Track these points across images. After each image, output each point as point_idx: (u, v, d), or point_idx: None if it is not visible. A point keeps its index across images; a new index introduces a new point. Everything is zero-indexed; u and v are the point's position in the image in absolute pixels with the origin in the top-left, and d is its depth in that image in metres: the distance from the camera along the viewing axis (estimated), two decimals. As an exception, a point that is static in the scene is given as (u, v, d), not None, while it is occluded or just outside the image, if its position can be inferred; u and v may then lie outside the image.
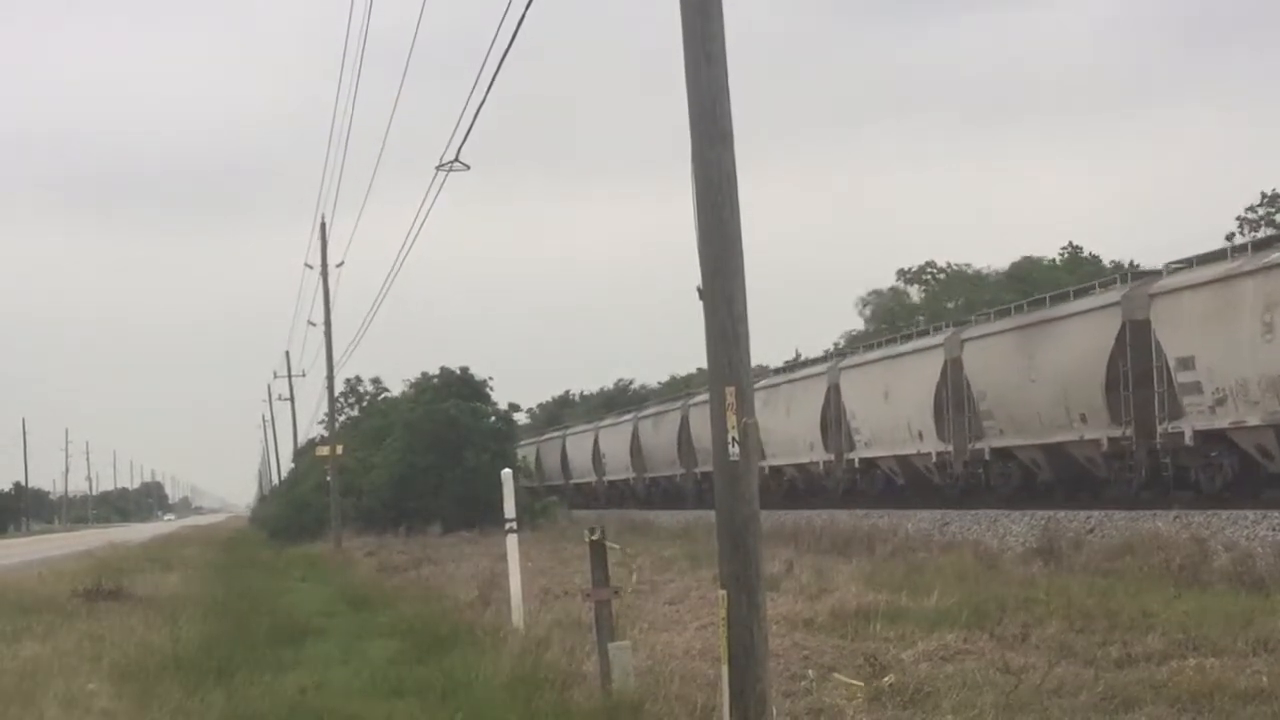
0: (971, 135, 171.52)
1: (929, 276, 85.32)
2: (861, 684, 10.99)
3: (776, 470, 44.75)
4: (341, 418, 62.38)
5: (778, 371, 48.70)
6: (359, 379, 72.63)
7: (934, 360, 34.91)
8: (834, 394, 40.33)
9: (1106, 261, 71.53)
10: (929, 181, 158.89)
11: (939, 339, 35.70)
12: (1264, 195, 65.56)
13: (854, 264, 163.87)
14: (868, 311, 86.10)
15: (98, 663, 14.53)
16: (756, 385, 44.60)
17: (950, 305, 75.99)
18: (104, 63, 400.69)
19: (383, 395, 69.70)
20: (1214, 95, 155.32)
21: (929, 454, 34.98)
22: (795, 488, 44.62)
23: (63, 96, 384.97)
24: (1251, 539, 20.84)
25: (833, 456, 40.57)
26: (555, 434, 78.71)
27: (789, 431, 43.49)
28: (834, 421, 40.31)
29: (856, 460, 39.30)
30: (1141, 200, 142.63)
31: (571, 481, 72.08)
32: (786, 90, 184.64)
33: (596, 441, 67.21)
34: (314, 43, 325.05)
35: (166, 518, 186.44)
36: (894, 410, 36.73)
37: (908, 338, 39.28)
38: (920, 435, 35.31)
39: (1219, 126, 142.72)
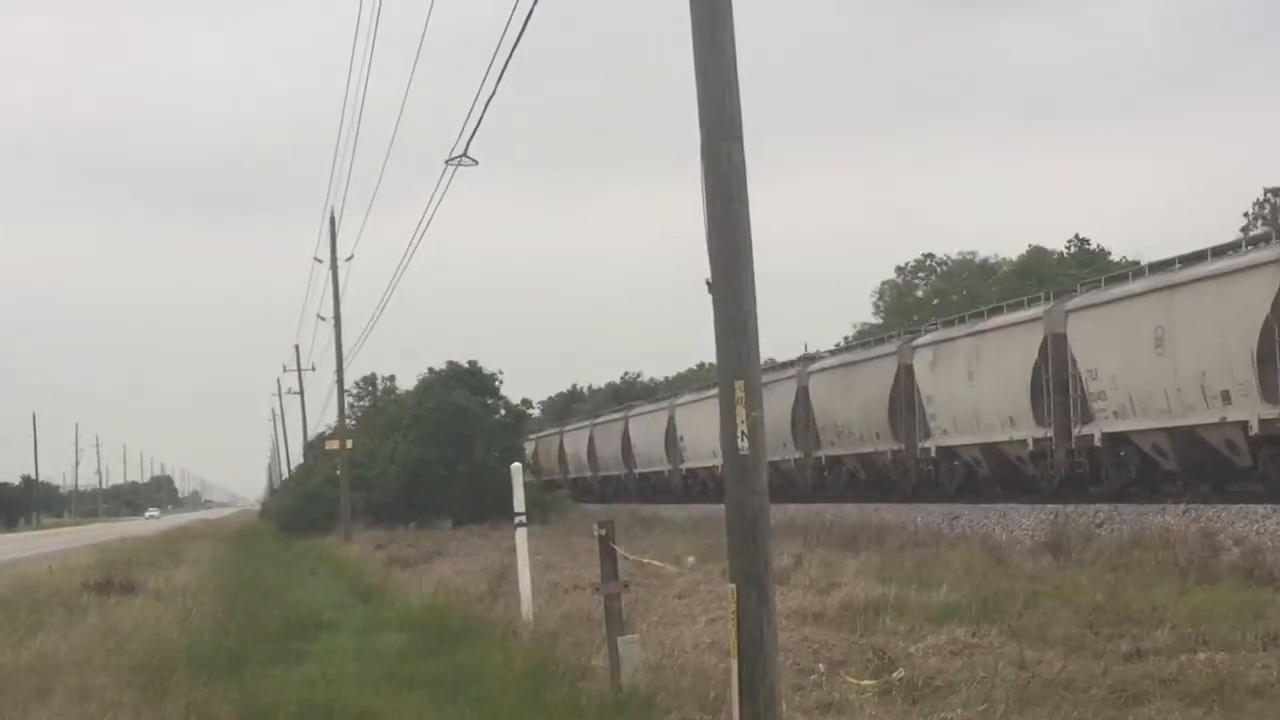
0: (975, 133, 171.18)
1: (930, 268, 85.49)
2: (872, 681, 11.01)
3: (947, 452, 35.12)
4: (350, 411, 62.40)
5: (950, 323, 37.59)
6: (376, 376, 72.13)
7: (1250, 288, 24.13)
8: (1053, 347, 30.35)
9: (1115, 255, 71.45)
10: (931, 179, 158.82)
11: (1261, 255, 24.40)
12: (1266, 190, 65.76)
13: (856, 261, 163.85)
14: (882, 303, 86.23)
15: (110, 656, 14.56)
16: (918, 343, 37.44)
17: (955, 297, 76.07)
18: (113, 59, 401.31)
19: (392, 390, 69.64)
20: (1219, 94, 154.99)
21: (1239, 424, 24.67)
22: (974, 474, 34.67)
23: (69, 93, 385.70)
24: (1261, 533, 20.88)
25: (1050, 434, 30.64)
26: (615, 416, 66.95)
27: (971, 401, 33.62)
28: (1052, 385, 30.45)
29: (1096, 437, 28.91)
30: (1140, 197, 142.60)
31: (636, 471, 60.61)
32: (786, 89, 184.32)
33: (672, 421, 55.37)
34: (327, 37, 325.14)
35: (149, 514, 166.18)
36: (1169, 366, 26.37)
37: (1195, 258, 26.83)
38: (1225, 398, 24.87)
39: (1223, 125, 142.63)
